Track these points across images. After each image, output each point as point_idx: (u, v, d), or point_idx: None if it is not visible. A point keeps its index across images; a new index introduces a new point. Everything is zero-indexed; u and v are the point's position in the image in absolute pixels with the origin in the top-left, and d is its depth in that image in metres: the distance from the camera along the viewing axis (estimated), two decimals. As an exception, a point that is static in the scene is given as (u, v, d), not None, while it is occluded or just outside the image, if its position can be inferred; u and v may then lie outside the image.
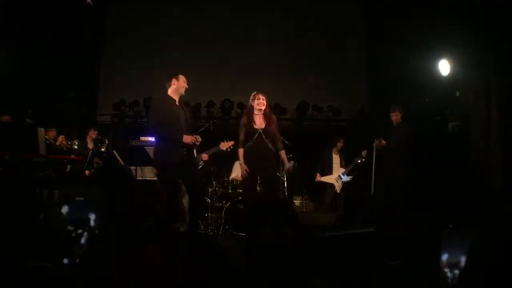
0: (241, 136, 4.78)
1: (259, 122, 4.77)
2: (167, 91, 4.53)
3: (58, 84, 7.86)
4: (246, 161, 4.72)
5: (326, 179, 6.85)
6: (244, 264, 2.84)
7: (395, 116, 6.05)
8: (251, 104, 4.84)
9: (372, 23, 8.79)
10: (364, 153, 6.56)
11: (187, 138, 4.41)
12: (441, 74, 6.32)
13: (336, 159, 6.94)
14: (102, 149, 6.06)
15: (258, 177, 4.87)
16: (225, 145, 5.55)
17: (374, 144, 6.04)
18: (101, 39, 8.66)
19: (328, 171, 6.87)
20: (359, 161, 6.66)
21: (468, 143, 6.04)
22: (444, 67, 6.28)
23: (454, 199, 5.16)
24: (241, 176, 4.87)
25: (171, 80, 4.51)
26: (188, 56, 8.44)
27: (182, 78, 4.56)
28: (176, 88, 4.52)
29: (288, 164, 4.97)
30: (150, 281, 2.59)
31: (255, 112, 4.79)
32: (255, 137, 4.69)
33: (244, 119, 4.82)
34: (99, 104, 8.60)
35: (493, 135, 5.74)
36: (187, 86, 4.57)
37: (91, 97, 8.51)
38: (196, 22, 8.73)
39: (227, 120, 8.41)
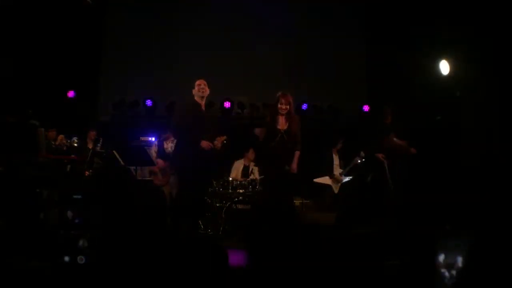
0: (261, 130, 4.88)
1: (282, 123, 4.80)
2: (194, 97, 4.83)
3: (58, 84, 7.87)
4: (268, 162, 4.76)
5: (322, 180, 6.82)
6: (244, 264, 2.85)
7: (389, 120, 6.06)
8: (274, 105, 4.90)
9: (372, 23, 8.78)
10: (363, 153, 6.55)
11: (203, 144, 4.54)
12: (441, 74, 6.33)
13: (336, 159, 6.94)
14: (98, 149, 6.05)
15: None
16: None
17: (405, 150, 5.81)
18: (101, 39, 8.66)
19: (329, 171, 6.85)
20: (358, 161, 6.65)
21: (467, 142, 6.04)
22: (444, 67, 6.28)
23: (453, 199, 5.16)
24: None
25: (193, 90, 4.83)
26: (188, 56, 8.44)
27: (196, 84, 4.82)
28: (196, 94, 4.81)
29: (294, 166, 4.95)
30: (149, 280, 2.60)
31: (279, 112, 4.83)
32: (277, 138, 4.72)
33: (268, 119, 4.91)
34: (99, 104, 8.60)
35: (493, 135, 5.75)
36: (204, 88, 4.79)
37: (91, 97, 8.50)
38: (196, 22, 8.72)
39: (227, 120, 8.42)
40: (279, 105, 4.83)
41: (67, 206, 2.70)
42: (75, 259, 2.42)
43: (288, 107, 4.81)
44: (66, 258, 2.20)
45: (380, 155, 5.84)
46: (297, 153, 4.86)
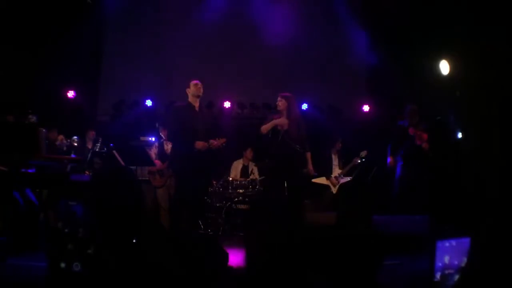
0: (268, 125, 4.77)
1: (284, 123, 4.77)
2: (188, 98, 4.88)
3: (58, 84, 7.87)
4: (271, 162, 4.75)
5: (319, 180, 6.82)
6: (244, 264, 2.84)
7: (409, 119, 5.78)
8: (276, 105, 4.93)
9: (373, 22, 8.78)
10: (363, 153, 6.55)
11: (199, 144, 4.56)
12: (441, 74, 6.33)
13: (335, 160, 6.94)
14: (96, 149, 6.05)
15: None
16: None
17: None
18: (101, 39, 8.66)
19: (328, 172, 6.85)
20: (358, 161, 6.65)
21: (467, 143, 6.03)
22: (444, 67, 6.28)
23: (452, 203, 5.16)
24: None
25: (187, 90, 4.87)
26: (188, 56, 8.44)
27: (192, 84, 4.85)
28: (192, 94, 4.84)
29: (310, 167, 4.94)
30: (150, 280, 2.59)
31: (280, 112, 4.82)
32: (279, 137, 4.68)
33: (273, 118, 4.89)
34: (99, 104, 8.60)
35: (493, 135, 5.74)
36: (201, 88, 4.82)
37: (91, 97, 8.50)
38: (196, 23, 8.72)
39: (226, 120, 8.42)
40: (277, 104, 4.85)
41: (60, 212, 2.70)
42: (73, 259, 2.41)
43: (282, 104, 4.80)
44: (62, 265, 2.19)
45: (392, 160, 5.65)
46: (309, 154, 4.87)
